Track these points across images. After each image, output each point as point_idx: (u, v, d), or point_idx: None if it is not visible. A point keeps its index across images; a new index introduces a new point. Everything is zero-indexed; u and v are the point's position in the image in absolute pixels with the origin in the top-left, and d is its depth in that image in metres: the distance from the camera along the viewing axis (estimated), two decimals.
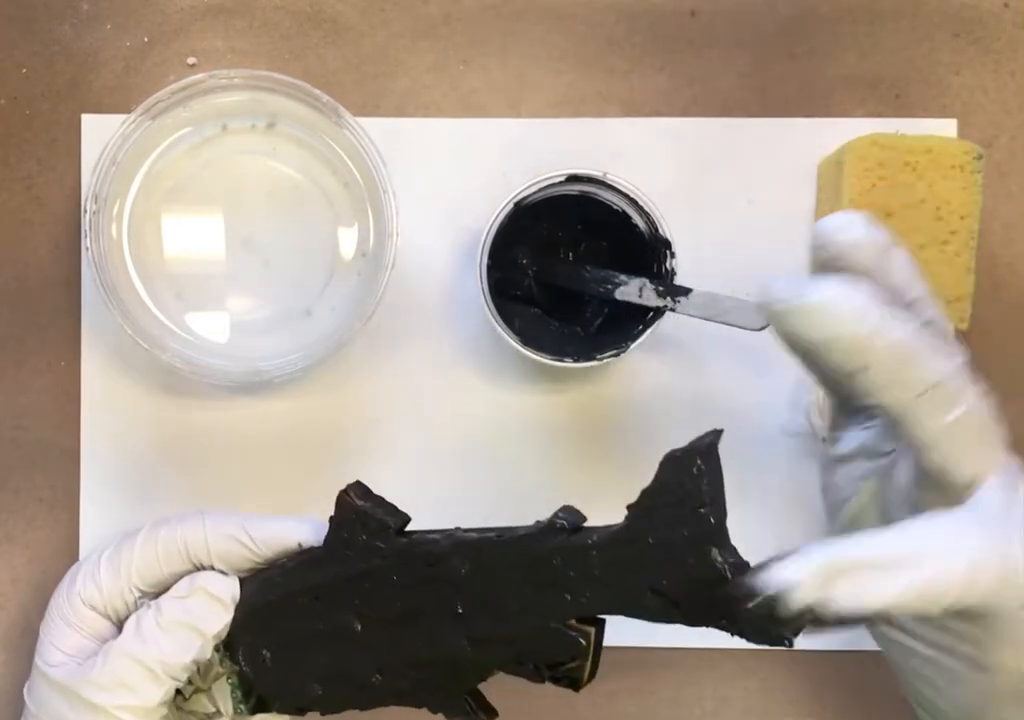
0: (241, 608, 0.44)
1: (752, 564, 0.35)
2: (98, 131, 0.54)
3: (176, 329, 0.52)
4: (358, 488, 0.43)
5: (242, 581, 0.44)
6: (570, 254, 0.53)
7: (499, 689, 0.55)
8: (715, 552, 0.36)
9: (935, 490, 0.37)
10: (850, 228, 0.37)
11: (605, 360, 0.50)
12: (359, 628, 0.42)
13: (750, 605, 0.33)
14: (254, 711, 0.45)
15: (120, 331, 0.50)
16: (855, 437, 0.42)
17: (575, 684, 0.41)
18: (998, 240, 0.55)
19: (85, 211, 0.49)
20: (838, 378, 0.36)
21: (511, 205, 0.50)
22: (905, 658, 0.40)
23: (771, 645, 0.34)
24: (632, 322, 0.50)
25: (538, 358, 0.50)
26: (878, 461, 0.41)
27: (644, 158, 0.54)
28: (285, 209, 0.52)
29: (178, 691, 0.45)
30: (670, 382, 0.54)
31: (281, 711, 0.45)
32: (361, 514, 0.42)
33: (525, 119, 0.55)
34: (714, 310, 0.48)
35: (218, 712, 0.45)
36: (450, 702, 0.42)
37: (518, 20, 0.55)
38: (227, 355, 0.52)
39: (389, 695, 0.43)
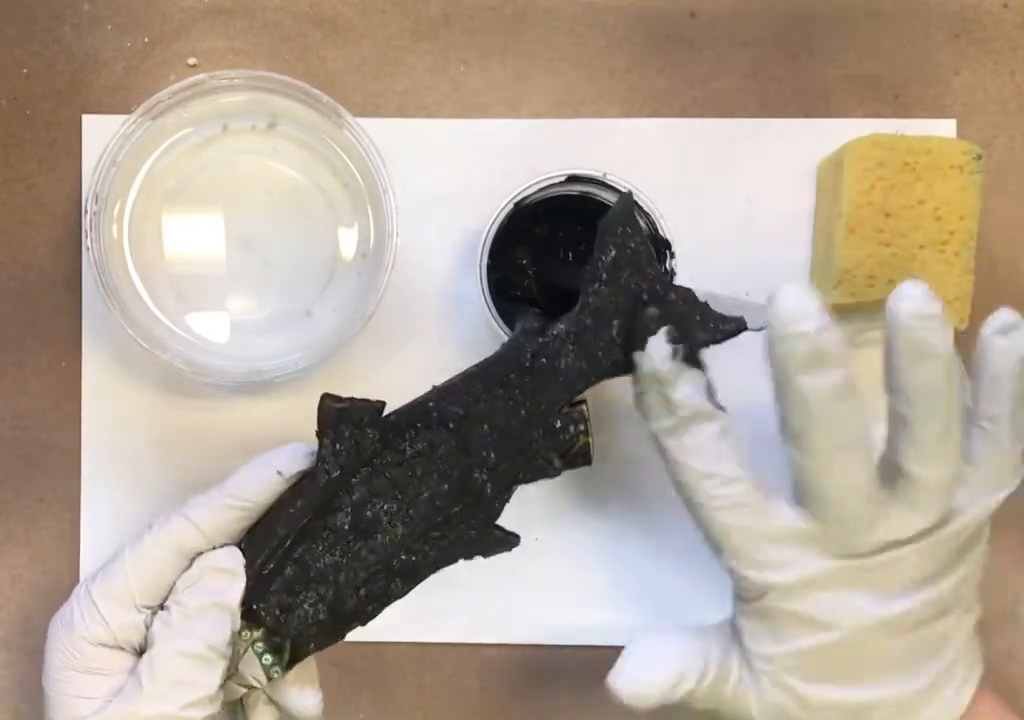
0: (250, 567, 0.44)
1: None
2: (98, 131, 0.54)
3: (176, 329, 0.52)
4: (330, 396, 0.44)
5: (242, 546, 0.45)
6: (570, 254, 0.53)
7: (497, 696, 0.55)
8: (659, 289, 0.44)
9: None
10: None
11: None
12: (381, 517, 0.44)
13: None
14: (288, 667, 0.44)
15: (120, 331, 0.50)
16: None
17: (587, 459, 0.44)
18: (998, 240, 0.55)
19: (86, 211, 0.50)
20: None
21: (511, 205, 0.50)
22: None
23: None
24: None
25: None
26: None
27: (644, 158, 0.54)
28: (285, 209, 0.52)
29: None
30: None
31: (319, 648, 0.45)
32: (344, 411, 0.44)
33: (525, 119, 0.55)
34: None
35: (251, 689, 0.45)
36: (483, 540, 0.44)
37: (518, 21, 0.55)
38: (227, 355, 0.52)
39: (425, 566, 0.44)
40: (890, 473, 0.42)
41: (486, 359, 0.44)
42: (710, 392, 0.43)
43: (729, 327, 0.44)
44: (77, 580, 0.54)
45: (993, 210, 0.54)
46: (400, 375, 0.54)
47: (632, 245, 0.44)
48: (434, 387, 0.44)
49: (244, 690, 0.45)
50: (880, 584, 0.42)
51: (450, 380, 0.44)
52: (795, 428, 0.41)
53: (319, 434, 0.44)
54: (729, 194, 0.55)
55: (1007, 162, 0.55)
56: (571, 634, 0.55)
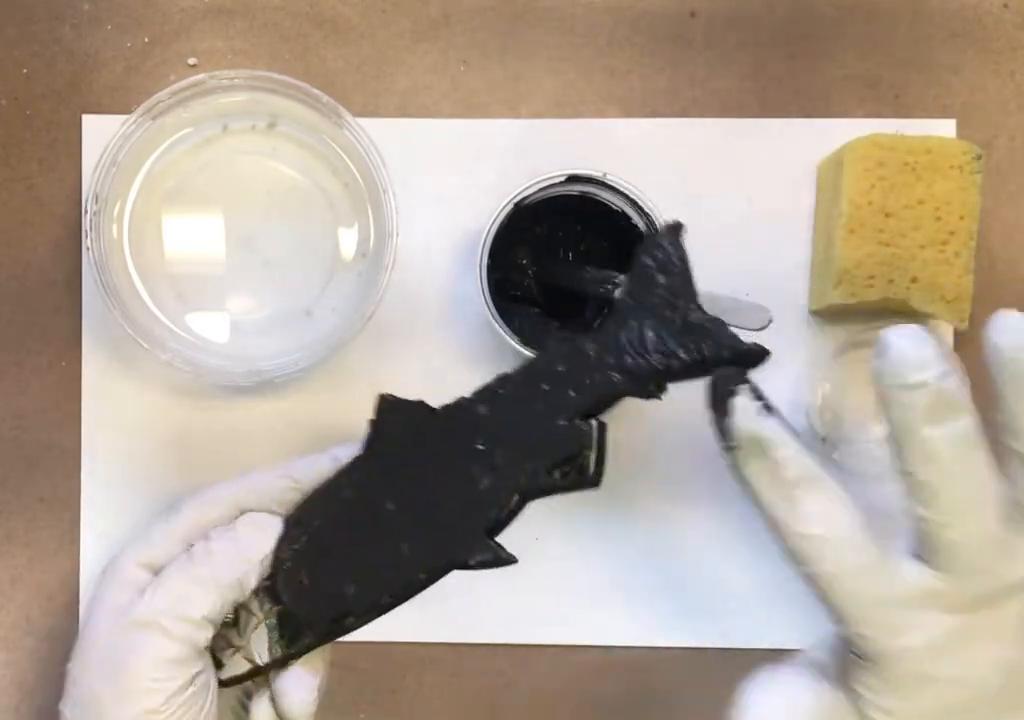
0: (283, 541, 0.45)
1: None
2: (99, 131, 0.54)
3: (176, 329, 0.52)
4: (390, 395, 0.45)
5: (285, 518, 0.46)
6: (570, 254, 0.53)
7: (497, 696, 0.55)
8: (685, 304, 0.43)
9: None
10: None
11: None
12: (392, 508, 0.44)
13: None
14: (289, 646, 0.45)
15: (120, 331, 0.50)
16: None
17: (587, 477, 0.43)
18: (997, 240, 0.55)
19: (86, 211, 0.50)
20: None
21: (511, 205, 0.50)
22: None
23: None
24: None
25: None
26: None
27: (644, 158, 0.54)
28: (285, 209, 0.52)
29: (215, 657, 0.45)
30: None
31: (313, 638, 0.45)
32: (396, 404, 0.45)
33: (525, 119, 0.55)
34: (714, 310, 0.49)
35: (255, 666, 0.46)
36: (477, 548, 0.44)
37: (518, 21, 0.55)
38: (227, 355, 0.52)
39: (419, 570, 0.44)
40: (1012, 511, 0.38)
41: (523, 363, 0.45)
42: (811, 448, 0.40)
43: (753, 360, 0.42)
44: (77, 580, 0.54)
45: (993, 210, 0.54)
46: (400, 375, 0.54)
47: (673, 268, 0.44)
48: (480, 387, 0.45)
49: (248, 665, 0.45)
50: (1007, 631, 0.39)
51: (488, 381, 0.45)
52: (922, 483, 0.38)
53: (370, 423, 0.45)
54: (729, 194, 0.55)
55: (1007, 162, 0.55)
56: (572, 634, 0.55)
